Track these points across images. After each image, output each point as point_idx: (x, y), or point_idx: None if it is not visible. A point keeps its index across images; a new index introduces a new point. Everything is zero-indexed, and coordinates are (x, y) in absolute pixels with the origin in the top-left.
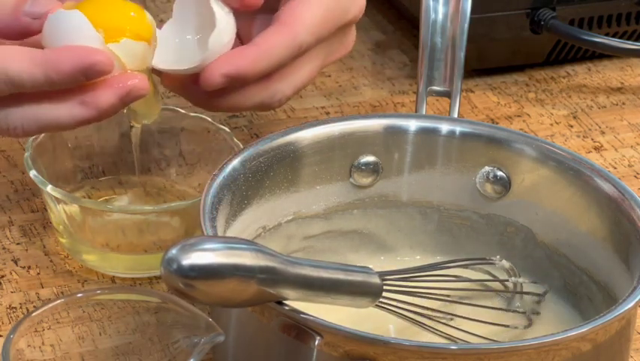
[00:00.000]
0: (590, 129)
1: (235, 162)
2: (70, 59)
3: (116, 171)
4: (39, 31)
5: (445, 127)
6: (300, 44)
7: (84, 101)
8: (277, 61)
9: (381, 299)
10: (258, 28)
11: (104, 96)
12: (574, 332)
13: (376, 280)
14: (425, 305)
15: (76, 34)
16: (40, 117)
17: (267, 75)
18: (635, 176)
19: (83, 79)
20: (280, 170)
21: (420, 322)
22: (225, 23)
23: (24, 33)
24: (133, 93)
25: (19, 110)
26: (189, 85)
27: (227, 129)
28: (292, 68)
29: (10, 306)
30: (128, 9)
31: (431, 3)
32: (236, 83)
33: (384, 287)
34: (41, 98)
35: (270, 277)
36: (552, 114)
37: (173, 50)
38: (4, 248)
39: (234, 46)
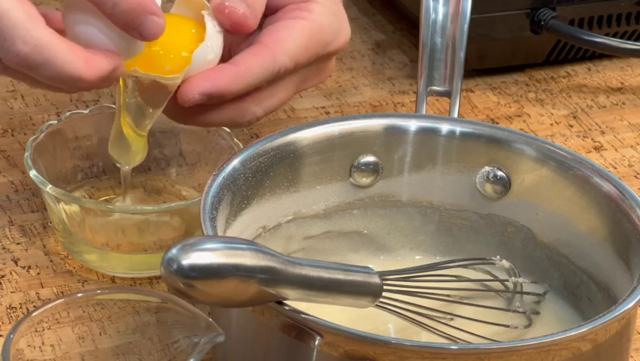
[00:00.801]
0: (590, 129)
1: (235, 162)
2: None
3: (116, 171)
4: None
5: (445, 127)
6: (280, 68)
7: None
8: (254, 82)
9: (381, 299)
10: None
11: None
12: (574, 332)
13: (376, 280)
14: (425, 305)
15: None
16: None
17: (241, 95)
18: (635, 176)
19: (137, 21)
20: (280, 170)
21: (420, 322)
22: (214, 40)
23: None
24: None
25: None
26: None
27: (227, 129)
28: (267, 92)
29: (10, 306)
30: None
31: (431, 3)
32: (212, 101)
33: (385, 287)
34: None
35: (271, 277)
36: (552, 114)
37: None
38: (4, 248)
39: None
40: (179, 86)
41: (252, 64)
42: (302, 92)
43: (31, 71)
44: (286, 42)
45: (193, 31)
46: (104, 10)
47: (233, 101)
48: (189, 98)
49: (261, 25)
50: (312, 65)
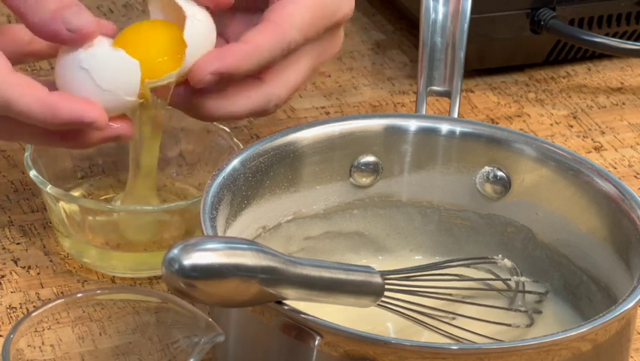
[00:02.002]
0: (590, 129)
1: (235, 162)
2: (71, 109)
3: (115, 170)
4: (68, 43)
5: (445, 127)
6: (289, 42)
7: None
8: (266, 58)
9: (383, 299)
10: (239, 27)
11: (95, 138)
12: (574, 332)
13: (378, 279)
14: (427, 304)
15: (126, 82)
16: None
17: (259, 78)
18: (635, 176)
19: (73, 134)
20: (280, 170)
21: (422, 321)
22: (200, 24)
23: (54, 38)
24: (119, 138)
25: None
26: (179, 93)
27: (227, 129)
28: (283, 69)
29: (10, 306)
30: (169, 36)
31: (431, 3)
32: (224, 80)
33: (386, 286)
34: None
35: (272, 277)
36: (552, 114)
37: None
38: (4, 248)
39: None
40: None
41: (260, 40)
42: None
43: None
44: (293, 16)
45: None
46: (25, 22)
47: (253, 87)
48: (201, 79)
49: (256, 6)
50: (322, 39)
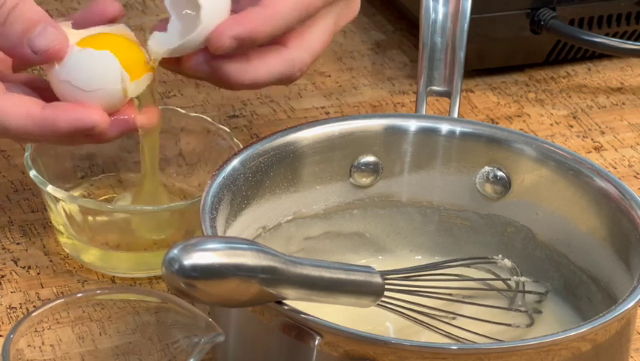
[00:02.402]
0: (590, 129)
1: (235, 162)
2: (69, 120)
3: (116, 170)
4: (39, 64)
5: (445, 127)
6: (308, 5)
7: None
8: (286, 22)
9: (383, 299)
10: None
11: (113, 132)
12: (574, 332)
13: (378, 279)
14: (427, 304)
15: (105, 74)
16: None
17: (281, 43)
18: (635, 176)
19: (82, 137)
20: (280, 170)
21: (422, 321)
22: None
23: (24, 63)
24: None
25: None
26: (199, 61)
27: (227, 129)
28: (304, 33)
29: (10, 306)
30: (135, 46)
31: (431, 3)
32: (245, 45)
33: (386, 286)
34: None
35: (272, 277)
36: (552, 114)
37: (177, 35)
38: (4, 248)
39: None
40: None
41: (281, 4)
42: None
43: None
44: None
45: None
46: None
47: (276, 52)
48: (221, 44)
49: None
50: (340, 1)
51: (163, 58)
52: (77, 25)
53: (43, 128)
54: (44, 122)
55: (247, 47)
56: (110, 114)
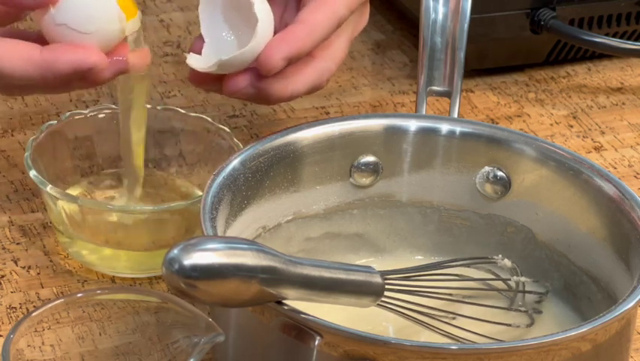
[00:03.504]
0: (590, 129)
1: (235, 162)
2: (69, 60)
3: (115, 169)
4: (34, 8)
5: (445, 127)
6: (340, 18)
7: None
8: (323, 36)
9: (383, 299)
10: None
11: (107, 74)
12: (574, 332)
13: (378, 279)
14: (427, 304)
15: (103, 14)
16: None
17: (310, 55)
18: (635, 176)
19: (78, 80)
20: (280, 170)
21: (422, 321)
22: (265, 9)
23: (17, 11)
24: (133, 69)
25: None
26: (247, 82)
27: (227, 129)
28: (330, 43)
29: (10, 306)
30: None
31: (431, 3)
32: (292, 62)
33: (386, 286)
34: None
35: (272, 277)
36: (552, 114)
37: (211, 50)
38: (4, 248)
39: None
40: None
41: (317, 19)
42: None
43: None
44: None
45: None
46: None
47: (309, 64)
48: (274, 66)
49: None
50: (356, 12)
51: (200, 76)
52: None
53: (43, 71)
54: (44, 63)
55: (292, 63)
56: (106, 55)
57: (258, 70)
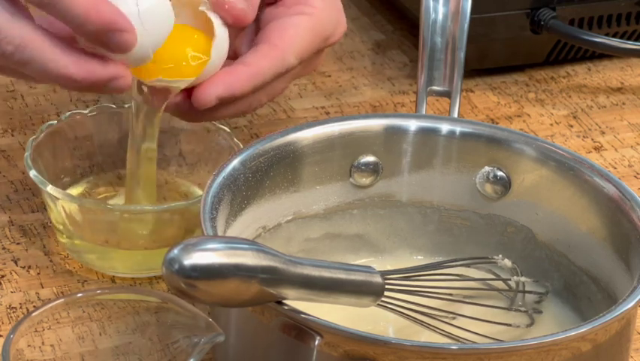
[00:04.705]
0: (590, 129)
1: (235, 162)
2: (104, 13)
3: (114, 168)
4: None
5: (445, 127)
6: (287, 67)
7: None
8: (265, 82)
9: (383, 299)
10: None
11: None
12: (574, 332)
13: (378, 279)
14: (427, 304)
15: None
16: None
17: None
18: (635, 176)
19: (104, 38)
20: (280, 170)
21: (422, 321)
22: (223, 35)
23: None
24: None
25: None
26: (178, 102)
27: (227, 129)
28: (273, 85)
29: (10, 306)
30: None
31: (431, 3)
32: (226, 102)
33: (386, 286)
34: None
35: (272, 277)
36: (552, 114)
37: None
38: (4, 248)
39: None
40: (190, 89)
41: (263, 65)
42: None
43: (21, 69)
44: (294, 41)
45: (195, 36)
46: (74, 30)
47: (244, 97)
48: (206, 102)
49: (258, 18)
50: (310, 58)
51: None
52: None
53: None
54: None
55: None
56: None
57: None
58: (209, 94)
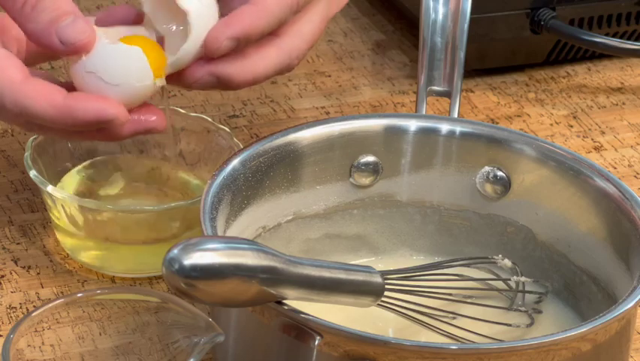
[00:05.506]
0: (590, 129)
1: (235, 162)
2: (89, 109)
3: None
4: (65, 55)
5: (445, 127)
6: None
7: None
8: (277, 17)
9: (383, 299)
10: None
11: (126, 131)
12: (574, 332)
13: (378, 279)
14: (427, 304)
15: (133, 69)
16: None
17: (275, 33)
18: (635, 176)
19: (96, 132)
20: (280, 170)
21: (422, 321)
22: (198, 7)
23: (50, 49)
24: (152, 130)
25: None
26: (199, 68)
27: (227, 129)
28: (296, 22)
29: (10, 306)
30: (159, 48)
31: (431, 3)
32: (241, 44)
33: (386, 286)
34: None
35: (272, 277)
36: (552, 114)
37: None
38: (4, 248)
39: None
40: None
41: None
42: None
43: (22, 117)
44: None
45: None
46: (21, 28)
47: (272, 45)
48: (218, 47)
49: None
50: None
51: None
52: (100, 23)
53: (63, 116)
54: (65, 108)
55: (243, 46)
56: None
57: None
58: (218, 37)
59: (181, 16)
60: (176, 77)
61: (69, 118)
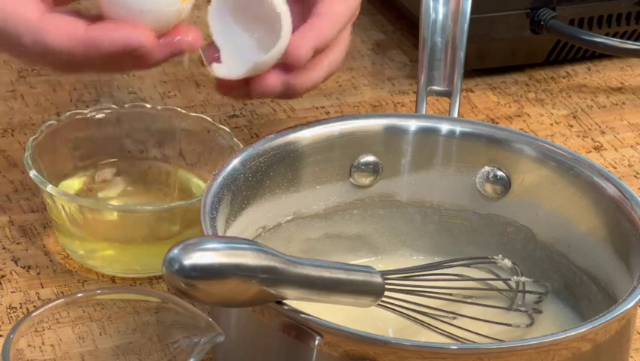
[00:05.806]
0: (590, 129)
1: (235, 162)
2: (114, 38)
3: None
4: None
5: (445, 127)
6: (353, 8)
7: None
8: (343, 27)
9: (383, 299)
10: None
11: (160, 55)
12: (574, 332)
13: (378, 279)
14: (427, 304)
15: None
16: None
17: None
18: (635, 176)
19: (128, 61)
20: (280, 170)
21: (422, 321)
22: (285, 6)
23: None
24: (188, 50)
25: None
26: (278, 79)
27: (227, 129)
28: (344, 34)
29: (10, 306)
30: None
31: (431, 3)
32: (318, 52)
33: (386, 286)
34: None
35: (272, 277)
36: (552, 114)
37: (230, 56)
38: (4, 248)
39: None
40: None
41: (337, 9)
42: None
43: (46, 56)
44: None
45: None
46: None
47: (325, 53)
48: (303, 57)
49: None
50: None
51: (230, 84)
52: None
53: (87, 48)
54: (88, 40)
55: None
56: (158, 37)
57: (285, 65)
58: (302, 48)
59: (256, 22)
60: (245, 85)
61: (94, 50)
